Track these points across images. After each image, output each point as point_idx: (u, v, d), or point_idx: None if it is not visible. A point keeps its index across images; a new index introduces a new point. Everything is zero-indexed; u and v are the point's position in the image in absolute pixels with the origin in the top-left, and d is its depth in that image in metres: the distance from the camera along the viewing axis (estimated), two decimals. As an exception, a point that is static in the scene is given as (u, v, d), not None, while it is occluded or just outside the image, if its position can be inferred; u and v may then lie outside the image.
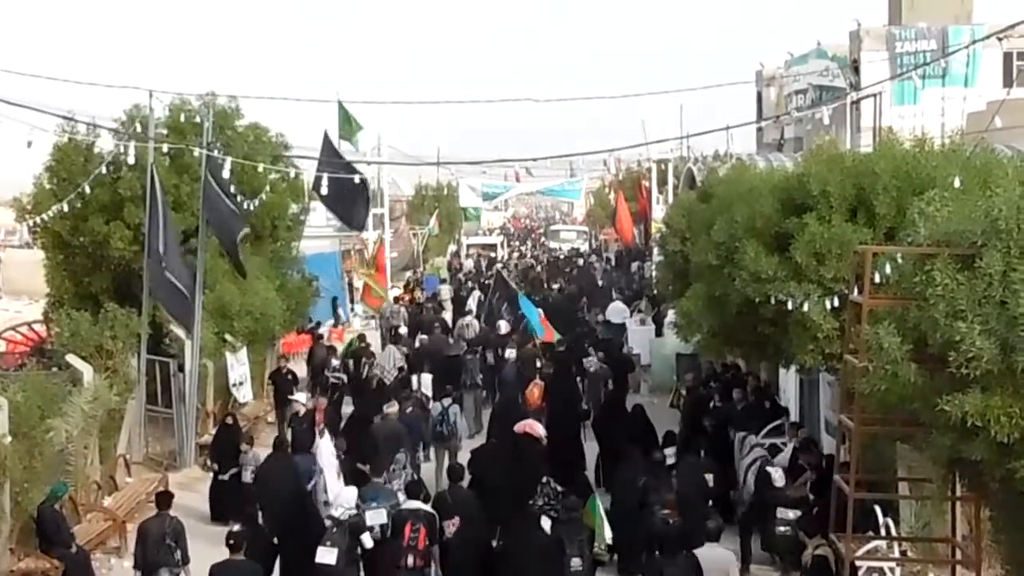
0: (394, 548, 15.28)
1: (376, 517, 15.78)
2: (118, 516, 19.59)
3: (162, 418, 25.07)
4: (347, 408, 25.92)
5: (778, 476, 18.24)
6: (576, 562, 14.82)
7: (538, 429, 20.60)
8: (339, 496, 16.23)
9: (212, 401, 26.06)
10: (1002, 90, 34.26)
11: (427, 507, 15.79)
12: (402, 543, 15.20)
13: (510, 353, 29.30)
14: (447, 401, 23.65)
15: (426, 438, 22.81)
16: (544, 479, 17.46)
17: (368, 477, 18.56)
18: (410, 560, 15.16)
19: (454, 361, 28.82)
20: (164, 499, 16.76)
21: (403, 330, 34.71)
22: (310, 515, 16.65)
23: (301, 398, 23.57)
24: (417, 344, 32.00)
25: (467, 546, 15.59)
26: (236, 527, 15.39)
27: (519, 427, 20.52)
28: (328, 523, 15.35)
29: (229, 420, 22.36)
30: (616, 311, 38.15)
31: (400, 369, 27.97)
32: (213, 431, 23.86)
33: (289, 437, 21.08)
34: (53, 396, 18.15)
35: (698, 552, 14.28)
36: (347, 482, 17.91)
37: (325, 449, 18.80)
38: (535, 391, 25.26)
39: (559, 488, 17.33)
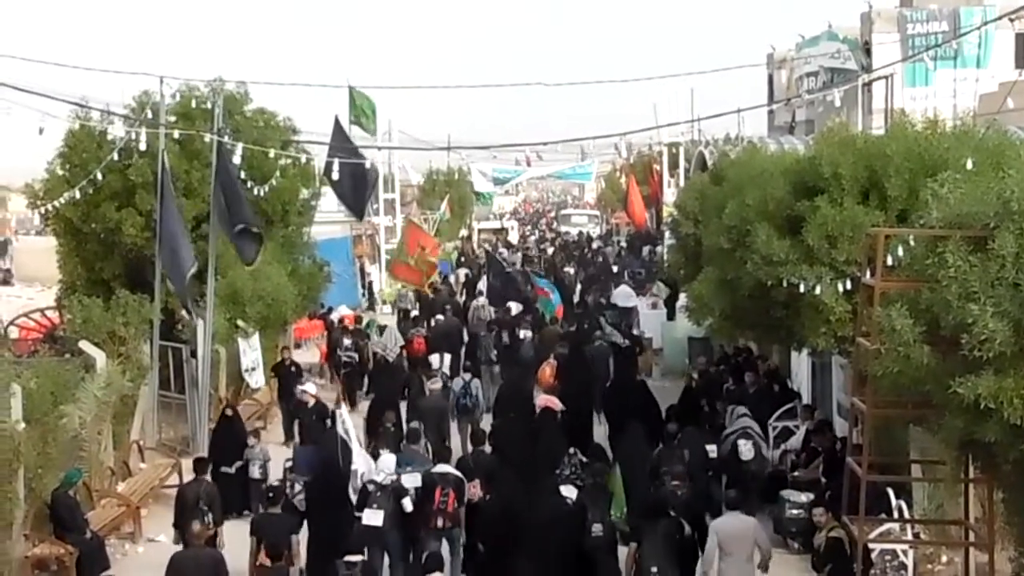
0: (425, 510, 16.10)
1: (411, 480, 16.54)
2: (132, 502, 19.64)
3: (175, 404, 25.09)
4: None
5: (746, 450, 19.12)
6: (597, 527, 15.18)
7: (557, 404, 21.43)
8: (380, 463, 17.02)
9: (225, 387, 26.07)
10: (1014, 71, 34.13)
11: (456, 472, 16.62)
12: (432, 506, 16.06)
13: (525, 333, 29.95)
14: (468, 376, 24.81)
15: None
16: (572, 450, 18.55)
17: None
18: (439, 521, 16.07)
19: (473, 339, 30.08)
20: (201, 465, 17.84)
21: (415, 313, 35.08)
22: (342, 487, 17.14)
23: (310, 388, 23.21)
24: (432, 324, 32.75)
25: (494, 508, 16.14)
26: (275, 482, 17.16)
27: (540, 401, 21.65)
28: (371, 488, 16.15)
29: (229, 412, 21.55)
30: (622, 295, 38.41)
31: (401, 347, 28.91)
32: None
33: (296, 428, 21.02)
34: (66, 382, 18.20)
35: (722, 520, 14.70)
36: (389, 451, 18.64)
37: (348, 424, 18.85)
38: (547, 370, 25.55)
39: (584, 459, 18.24)
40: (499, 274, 37.53)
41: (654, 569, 14.14)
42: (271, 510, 15.88)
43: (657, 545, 14.29)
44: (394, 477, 16.37)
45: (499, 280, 36.94)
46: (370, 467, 17.53)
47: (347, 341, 29.63)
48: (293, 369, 26.35)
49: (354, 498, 16.52)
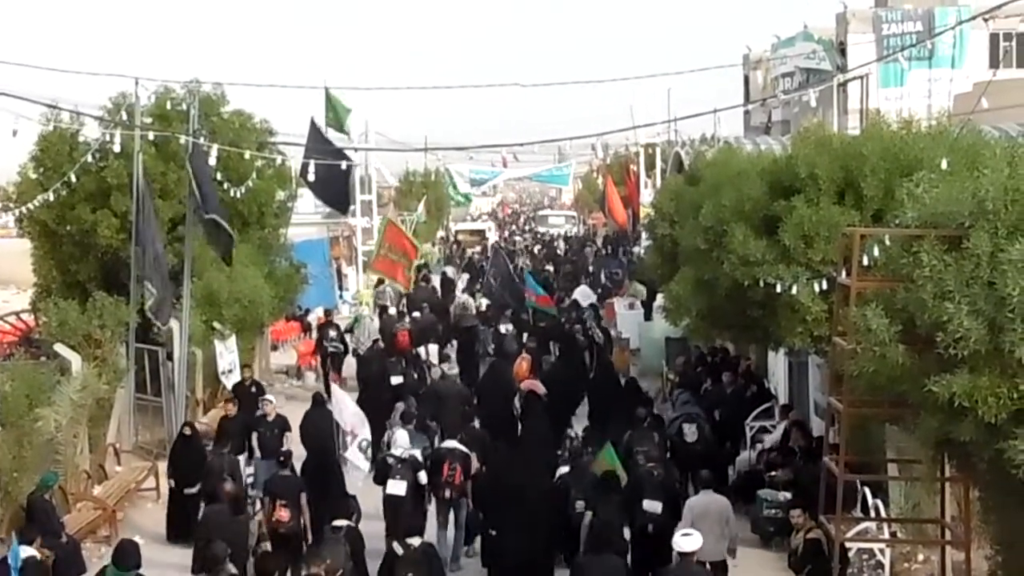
0: (435, 483, 17.44)
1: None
2: (108, 505, 19.55)
3: (151, 407, 24.94)
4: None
5: (690, 432, 20.04)
6: (580, 504, 16.08)
7: (540, 388, 23.06)
8: (394, 439, 18.32)
9: (201, 389, 25.96)
10: (988, 71, 34.29)
11: (462, 447, 17.84)
12: (441, 478, 17.38)
13: (506, 328, 31.02)
14: (446, 365, 26.73)
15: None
16: (570, 432, 19.88)
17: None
18: (447, 493, 17.44)
19: (469, 332, 31.48)
20: (222, 441, 19.39)
21: (392, 310, 35.25)
22: (333, 463, 18.29)
23: (271, 399, 22.41)
24: (409, 321, 33.23)
25: (486, 483, 17.12)
26: (286, 448, 18.52)
27: (524, 386, 23.28)
28: (391, 461, 17.50)
29: (187, 432, 20.30)
30: (583, 294, 38.91)
31: (375, 342, 29.69)
32: (205, 418, 23.83)
33: (256, 442, 20.73)
34: (41, 385, 18.10)
35: (695, 500, 15.35)
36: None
37: (343, 406, 19.07)
38: (523, 364, 25.84)
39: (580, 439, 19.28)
40: (500, 275, 37.36)
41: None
42: (281, 472, 17.24)
43: (611, 518, 14.91)
44: (409, 452, 17.62)
45: (499, 280, 36.89)
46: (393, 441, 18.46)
47: (332, 333, 30.97)
48: (253, 389, 24.41)
49: (365, 467, 18.01)
